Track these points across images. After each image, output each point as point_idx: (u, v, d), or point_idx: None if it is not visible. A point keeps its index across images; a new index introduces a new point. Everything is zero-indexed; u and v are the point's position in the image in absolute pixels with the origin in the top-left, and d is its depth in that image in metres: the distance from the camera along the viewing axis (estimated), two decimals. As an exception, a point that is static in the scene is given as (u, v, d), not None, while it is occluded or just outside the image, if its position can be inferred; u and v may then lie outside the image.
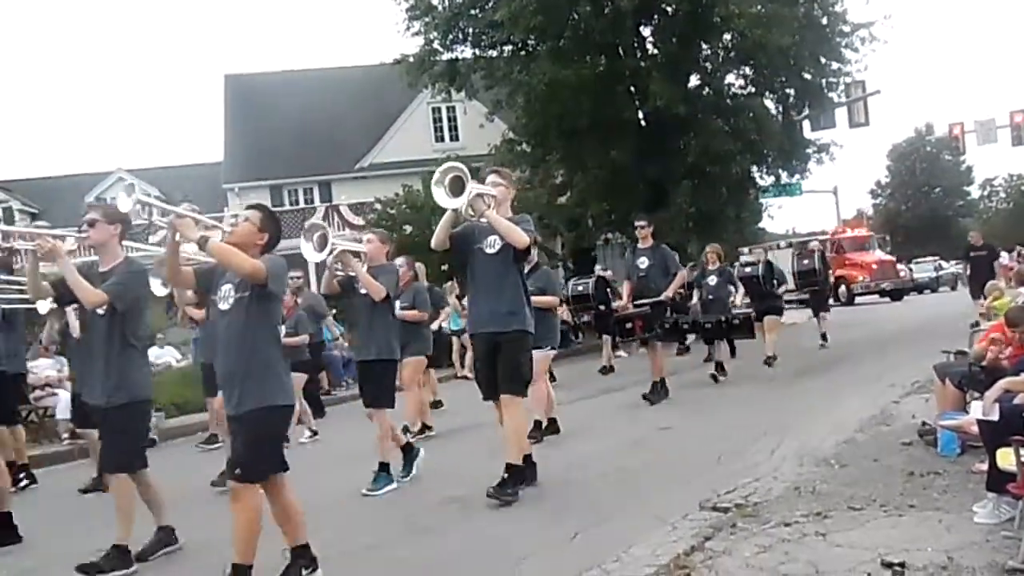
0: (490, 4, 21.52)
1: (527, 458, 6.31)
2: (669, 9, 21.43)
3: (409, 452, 7.33)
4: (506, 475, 5.97)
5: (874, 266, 29.99)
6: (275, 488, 4.63)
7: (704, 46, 22.21)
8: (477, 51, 23.12)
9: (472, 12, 22.04)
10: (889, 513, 4.80)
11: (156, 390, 12.91)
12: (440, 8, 22.15)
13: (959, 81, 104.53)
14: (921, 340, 13.71)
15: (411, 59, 22.69)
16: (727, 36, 21.36)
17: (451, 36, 22.47)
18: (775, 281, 13.04)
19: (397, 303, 9.19)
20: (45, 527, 6.77)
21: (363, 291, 6.81)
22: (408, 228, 23.41)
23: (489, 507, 5.98)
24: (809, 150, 23.99)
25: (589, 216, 22.82)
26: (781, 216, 59.24)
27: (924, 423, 6.62)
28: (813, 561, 4.11)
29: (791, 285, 14.71)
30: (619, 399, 10.95)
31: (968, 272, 17.05)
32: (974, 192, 64.56)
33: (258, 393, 4.41)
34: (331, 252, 6.33)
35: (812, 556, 4.18)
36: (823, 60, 22.22)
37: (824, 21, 21.73)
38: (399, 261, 9.27)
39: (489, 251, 6.07)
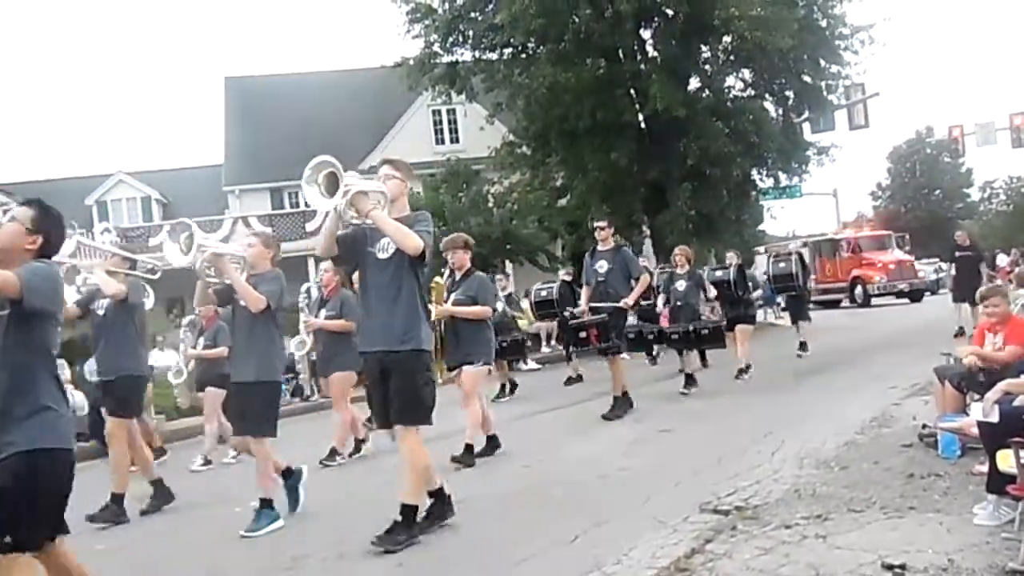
0: (490, 7, 21.54)
1: (439, 492, 5.58)
2: (669, 12, 21.44)
3: (289, 476, 6.49)
4: (399, 518, 5.21)
5: (891, 266, 28.72)
6: (51, 559, 3.63)
7: (704, 49, 22.23)
8: (477, 54, 23.13)
9: (472, 15, 22.07)
10: (889, 515, 4.80)
11: (157, 393, 13.01)
12: (440, 11, 22.17)
13: (959, 83, 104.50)
14: (921, 342, 13.69)
15: (411, 62, 22.70)
16: (727, 39, 21.36)
17: (451, 39, 22.48)
18: (748, 286, 12.57)
19: (323, 312, 8.83)
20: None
21: (243, 302, 6.08)
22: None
23: (490, 509, 5.98)
24: (809, 152, 24.00)
25: (589, 218, 22.78)
26: (782, 218, 59.29)
27: (924, 425, 6.62)
28: (813, 563, 4.11)
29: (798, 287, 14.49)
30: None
31: (952, 273, 16.12)
32: (974, 194, 64.54)
33: (17, 436, 3.45)
34: (204, 255, 5.82)
35: (812, 558, 4.18)
36: (823, 62, 22.23)
37: (824, 24, 21.75)
38: (324, 266, 9.00)
39: (381, 256, 5.29)
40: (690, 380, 11.17)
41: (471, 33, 22.35)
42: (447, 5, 22.16)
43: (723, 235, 24.28)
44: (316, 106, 30.63)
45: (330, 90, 31.50)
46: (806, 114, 23.77)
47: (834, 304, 29.50)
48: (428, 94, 26.28)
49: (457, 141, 30.54)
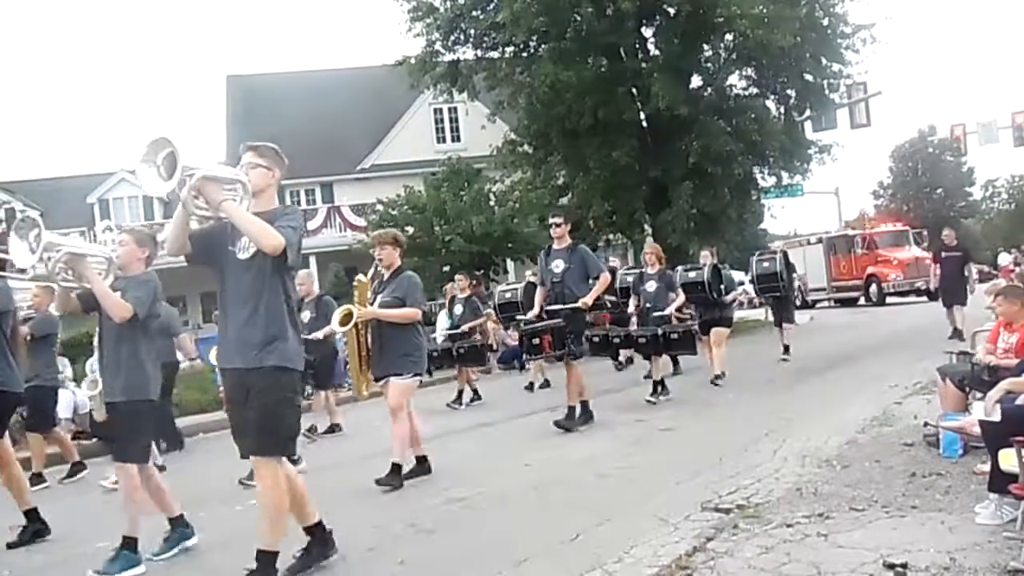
0: (492, 5, 21.53)
1: (318, 527, 4.88)
2: (671, 10, 21.43)
3: (177, 525, 5.60)
4: (255, 565, 4.47)
5: (908, 263, 27.57)
6: None
7: (706, 47, 22.20)
8: (479, 52, 23.13)
9: (474, 13, 22.06)
10: (891, 514, 4.80)
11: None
12: (442, 9, 22.17)
13: (961, 82, 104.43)
14: (923, 341, 13.71)
15: (413, 60, 22.70)
16: (729, 37, 21.34)
17: (453, 37, 22.48)
18: (723, 288, 11.87)
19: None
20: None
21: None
22: (410, 229, 23.45)
23: (492, 507, 5.98)
24: (811, 151, 23.96)
25: (591, 217, 22.81)
26: (783, 217, 59.30)
27: (926, 424, 6.61)
28: (815, 562, 4.11)
29: (789, 287, 14.06)
30: (618, 400, 10.95)
31: (938, 274, 15.40)
32: (976, 193, 64.61)
33: None
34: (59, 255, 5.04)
35: (814, 557, 4.18)
36: (825, 61, 22.21)
37: (826, 22, 21.72)
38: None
39: (242, 256, 4.54)
40: (659, 387, 10.55)
41: (473, 31, 22.34)
42: (449, 3, 22.15)
43: (725, 234, 24.25)
44: (317, 105, 30.66)
45: (331, 89, 31.54)
46: (808, 113, 23.74)
47: (851, 303, 29.00)
48: (429, 92, 26.29)
49: (458, 139, 30.57)
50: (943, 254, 15.16)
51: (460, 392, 12.40)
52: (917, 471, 5.64)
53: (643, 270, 11.37)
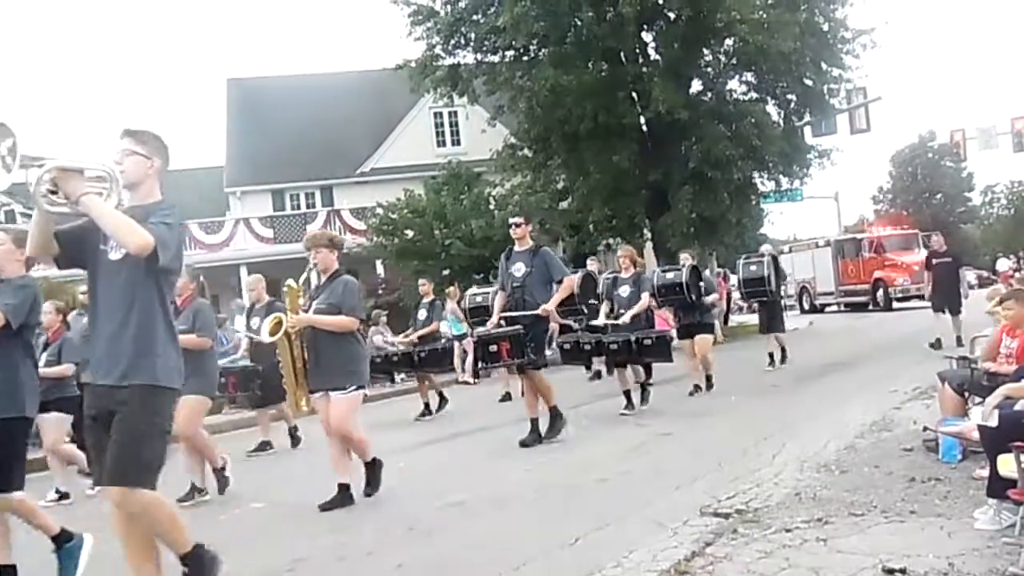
0: (492, 9, 21.55)
1: (196, 553, 4.20)
2: (671, 15, 21.46)
3: (66, 543, 4.99)
4: (186, 570, 4.14)
5: (915, 267, 25.83)
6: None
7: (706, 52, 22.25)
8: (479, 56, 23.16)
9: (474, 17, 22.09)
10: (890, 519, 4.79)
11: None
12: (442, 13, 22.19)
13: (960, 88, 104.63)
14: (919, 346, 13.72)
15: (413, 64, 22.72)
16: (729, 42, 21.40)
17: (453, 41, 22.50)
18: (702, 289, 11.45)
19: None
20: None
21: None
22: (410, 232, 23.46)
23: (490, 511, 5.98)
24: (810, 156, 24.00)
25: (591, 221, 22.83)
26: (783, 222, 59.39)
27: (925, 428, 6.61)
28: (814, 567, 4.10)
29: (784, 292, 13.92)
30: (619, 404, 10.93)
31: (930, 282, 14.88)
32: (975, 198, 64.71)
33: None
34: None
35: (813, 562, 4.18)
36: (824, 66, 22.25)
37: (825, 27, 21.77)
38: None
39: (113, 256, 4.02)
40: (640, 397, 10.19)
41: (473, 35, 22.37)
42: (449, 7, 22.18)
43: (724, 238, 24.29)
44: (318, 108, 30.66)
45: (332, 92, 31.53)
46: (807, 118, 23.78)
47: (862, 307, 28.55)
48: (430, 96, 26.30)
49: (459, 143, 30.56)
50: (934, 261, 14.81)
51: (426, 404, 11.83)
52: (916, 476, 5.63)
53: (616, 274, 10.86)
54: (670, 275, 11.46)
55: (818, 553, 4.32)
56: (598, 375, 13.86)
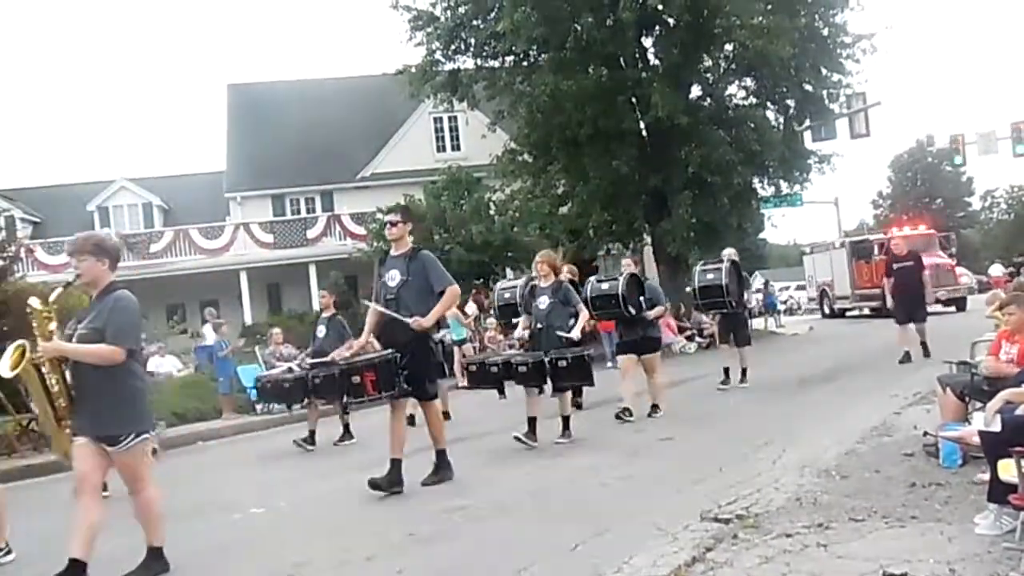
0: (492, 15, 21.61)
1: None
2: (671, 20, 21.52)
3: None
4: None
5: (926, 272, 26.00)
6: None
7: (705, 57, 22.30)
8: (479, 61, 23.23)
9: (474, 23, 22.15)
10: (891, 524, 4.79)
11: (157, 400, 13.05)
12: (442, 19, 22.26)
13: (960, 93, 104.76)
14: (924, 353, 13.69)
15: (413, 69, 22.78)
16: (728, 47, 21.46)
17: (453, 46, 22.57)
18: (644, 302, 10.03)
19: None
20: (42, 538, 6.75)
21: None
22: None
23: (491, 516, 5.97)
24: (810, 161, 24.05)
25: (591, 226, 22.86)
26: (783, 227, 59.46)
27: (926, 433, 6.61)
28: (815, 572, 4.10)
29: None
30: (618, 409, 10.91)
31: (891, 289, 13.40)
32: (975, 203, 64.77)
33: None
34: None
35: (814, 567, 4.17)
36: (824, 71, 22.33)
37: (825, 32, 21.86)
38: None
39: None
40: (564, 425, 8.78)
41: (473, 41, 22.43)
42: (449, 13, 22.24)
43: (724, 243, 24.26)
44: (318, 113, 30.71)
45: (332, 97, 31.59)
46: (807, 123, 23.84)
47: (876, 312, 26.13)
48: (430, 102, 26.36)
49: (458, 149, 30.59)
50: (894, 265, 13.43)
51: (312, 432, 10.41)
52: (917, 481, 5.62)
53: (534, 282, 9.30)
54: (605, 285, 10.14)
55: (819, 558, 4.31)
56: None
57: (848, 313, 29.53)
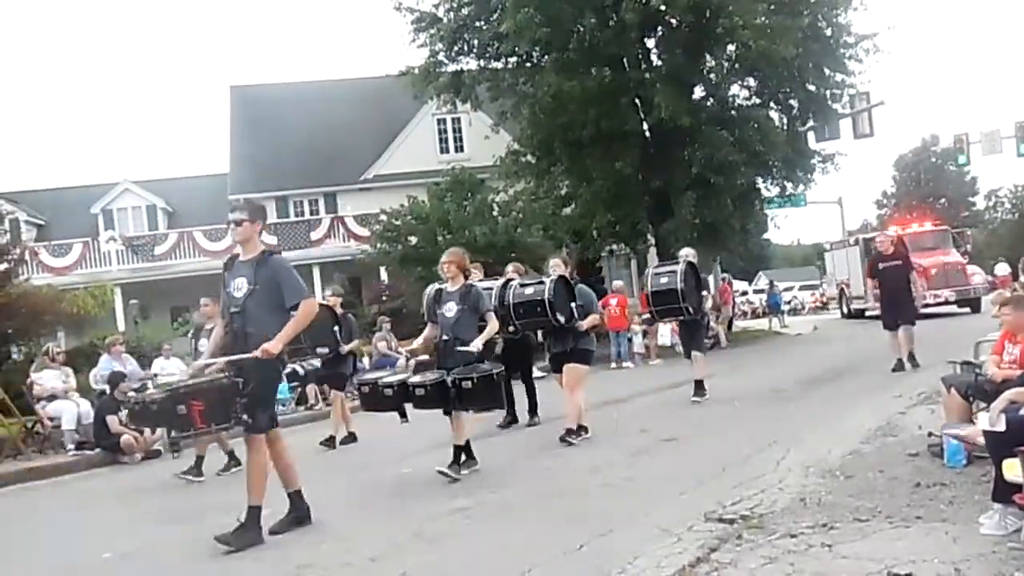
0: (495, 16, 21.62)
1: None
2: (674, 21, 21.50)
3: None
4: None
5: (933, 271, 22.85)
6: None
7: (708, 57, 22.29)
8: (482, 63, 23.24)
9: (477, 24, 22.16)
10: (895, 524, 4.78)
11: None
12: (445, 20, 22.26)
13: (964, 92, 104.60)
14: (926, 352, 13.66)
15: (416, 70, 22.79)
16: (731, 47, 21.43)
17: (456, 48, 22.58)
18: (576, 309, 8.77)
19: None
20: (44, 538, 6.77)
21: None
22: (413, 239, 23.46)
23: (495, 517, 5.97)
24: (814, 161, 24.02)
25: (594, 227, 22.86)
26: (787, 227, 59.42)
27: (930, 434, 6.60)
28: (819, 573, 4.10)
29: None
30: (622, 409, 10.93)
31: (877, 290, 12.49)
32: (979, 203, 64.67)
33: None
34: None
35: (818, 568, 4.17)
36: (827, 71, 22.30)
37: (828, 32, 21.82)
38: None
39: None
40: (458, 459, 7.45)
41: (476, 42, 22.44)
42: (452, 14, 22.25)
43: (728, 244, 24.29)
44: (321, 115, 30.74)
45: (335, 99, 31.62)
46: (811, 123, 23.81)
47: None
48: (433, 103, 26.41)
49: (462, 150, 30.61)
50: (880, 265, 12.36)
51: (199, 459, 9.18)
52: (921, 481, 5.62)
53: (442, 287, 7.86)
54: (529, 290, 8.87)
55: (823, 559, 4.31)
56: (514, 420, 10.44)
57: (867, 313, 28.61)
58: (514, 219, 23.71)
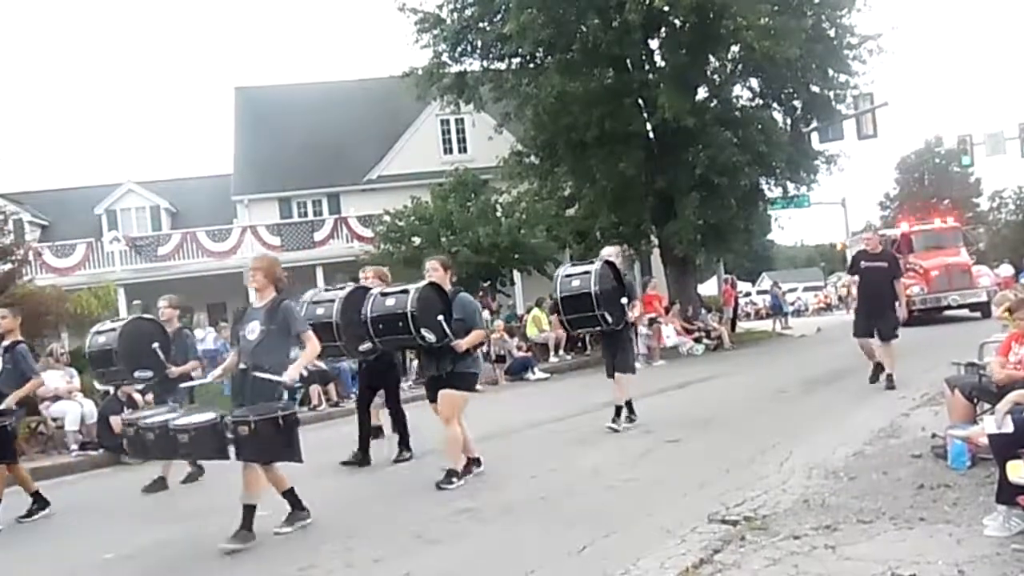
0: (499, 17, 21.61)
1: None
2: (677, 22, 21.46)
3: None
4: None
5: (934, 272, 21.56)
6: None
7: (712, 58, 22.26)
8: (486, 63, 23.22)
9: (481, 25, 22.14)
10: (899, 526, 4.78)
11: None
12: (449, 21, 22.26)
13: (968, 93, 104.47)
14: (929, 353, 13.64)
15: (420, 71, 22.78)
16: (735, 48, 21.40)
17: (460, 49, 22.58)
18: (448, 324, 7.12)
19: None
20: (46, 539, 6.78)
21: None
22: (417, 240, 23.46)
23: (498, 518, 5.97)
24: (817, 162, 23.99)
25: (597, 228, 22.82)
26: (790, 228, 59.42)
27: (934, 435, 6.59)
28: (823, 574, 4.10)
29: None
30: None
31: (857, 291, 11.39)
32: (983, 204, 64.53)
33: None
34: None
35: (821, 569, 4.16)
36: (831, 72, 22.25)
37: (832, 33, 21.78)
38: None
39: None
40: (247, 526, 5.89)
41: (479, 43, 22.43)
42: (456, 15, 22.24)
43: (732, 245, 24.24)
44: (325, 116, 30.75)
45: (339, 100, 31.63)
46: (814, 124, 23.78)
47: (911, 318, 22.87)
48: (436, 104, 26.36)
49: (465, 151, 30.60)
50: (863, 263, 10.99)
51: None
52: (925, 483, 5.61)
53: (248, 305, 6.88)
54: (390, 300, 7.30)
55: (827, 560, 4.31)
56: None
57: None
58: (517, 220, 23.70)
